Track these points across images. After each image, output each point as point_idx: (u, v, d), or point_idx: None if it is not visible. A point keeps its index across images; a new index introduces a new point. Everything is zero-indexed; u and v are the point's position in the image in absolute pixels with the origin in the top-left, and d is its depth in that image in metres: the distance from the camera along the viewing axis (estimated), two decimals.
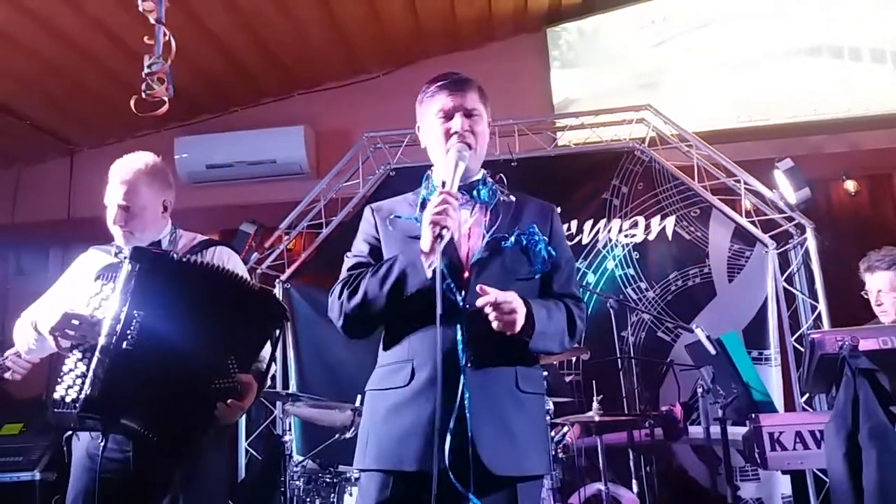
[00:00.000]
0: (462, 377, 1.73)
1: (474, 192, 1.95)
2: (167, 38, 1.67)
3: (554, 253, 1.92)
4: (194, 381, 2.10)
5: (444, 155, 1.91)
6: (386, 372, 1.89)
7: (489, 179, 2.02)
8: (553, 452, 3.48)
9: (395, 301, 1.81)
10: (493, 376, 1.80)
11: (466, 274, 1.84)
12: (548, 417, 3.48)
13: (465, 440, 1.70)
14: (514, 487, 1.77)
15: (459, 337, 1.76)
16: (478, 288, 1.76)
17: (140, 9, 1.67)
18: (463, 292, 1.79)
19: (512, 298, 1.76)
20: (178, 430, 2.10)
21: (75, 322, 2.08)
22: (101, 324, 2.06)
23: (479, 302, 1.74)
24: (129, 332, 2.03)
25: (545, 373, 3.62)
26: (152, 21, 1.68)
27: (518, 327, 1.76)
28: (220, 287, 2.19)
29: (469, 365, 1.75)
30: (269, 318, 2.24)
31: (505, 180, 2.06)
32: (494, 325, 1.74)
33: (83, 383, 2.01)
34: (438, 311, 1.67)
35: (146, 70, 1.66)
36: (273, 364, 2.35)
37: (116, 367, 2.01)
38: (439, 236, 1.72)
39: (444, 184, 1.85)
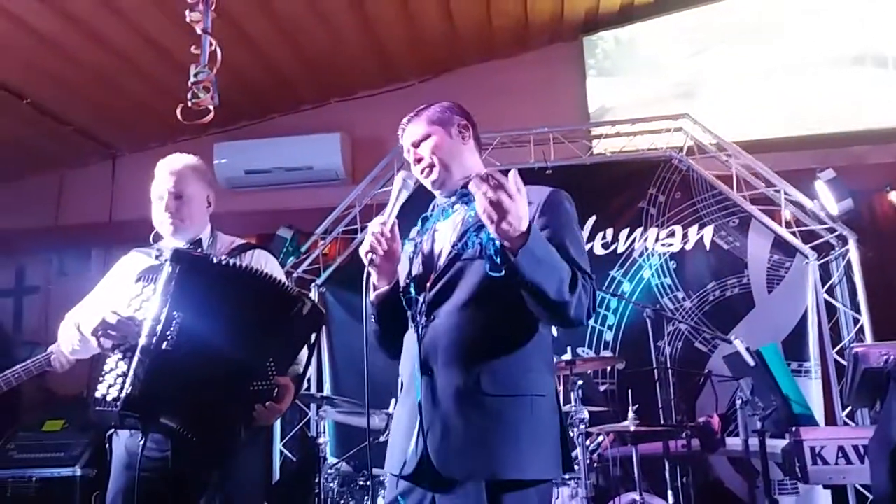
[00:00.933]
0: (418, 387, 1.80)
1: (459, 200, 1.98)
2: (213, 47, 1.70)
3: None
4: (233, 383, 2.12)
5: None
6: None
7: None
8: (588, 461, 3.46)
9: (374, 325, 1.97)
10: (449, 382, 1.78)
11: (429, 284, 1.89)
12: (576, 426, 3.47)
13: (425, 448, 1.77)
14: (485, 491, 1.72)
15: (416, 348, 1.83)
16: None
17: (188, 19, 1.70)
18: (424, 304, 1.85)
19: (514, 189, 1.59)
20: (216, 430, 2.12)
21: (116, 323, 2.11)
22: (141, 325, 2.09)
23: (475, 179, 1.63)
24: (168, 333, 2.05)
25: (579, 381, 3.63)
26: (199, 31, 1.71)
27: (509, 221, 1.58)
28: (259, 290, 2.19)
29: (424, 374, 1.80)
30: (307, 322, 2.24)
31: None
32: (481, 207, 1.60)
33: (124, 382, 2.04)
34: (365, 336, 1.88)
35: (192, 79, 1.69)
36: (309, 367, 2.37)
37: (156, 367, 2.03)
38: (371, 263, 1.86)
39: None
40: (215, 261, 2.23)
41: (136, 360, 2.04)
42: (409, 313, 1.90)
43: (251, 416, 2.14)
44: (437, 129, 2.01)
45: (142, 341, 2.06)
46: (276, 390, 2.15)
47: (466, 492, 1.73)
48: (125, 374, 2.05)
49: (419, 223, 2.05)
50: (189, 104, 1.70)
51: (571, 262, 1.77)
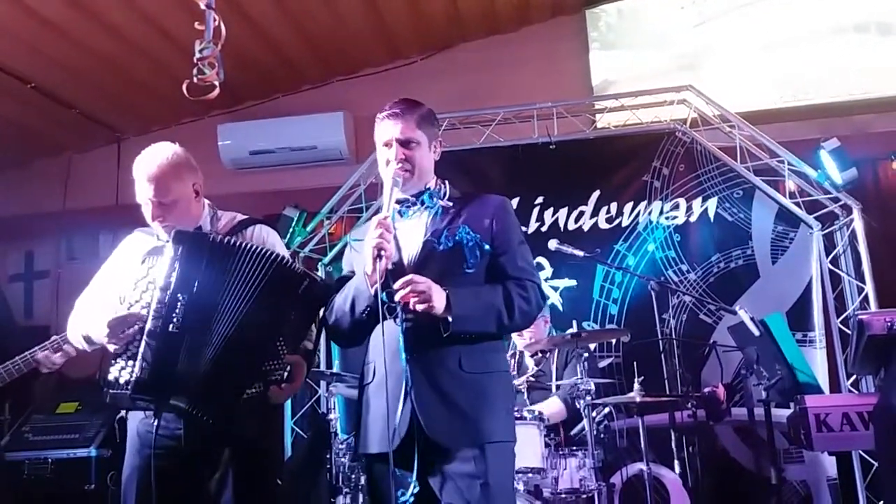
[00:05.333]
0: (405, 370, 1.98)
1: (420, 202, 2.17)
2: (217, 23, 1.71)
3: (488, 247, 2.09)
4: (243, 363, 2.14)
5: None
6: (364, 371, 2.18)
7: (438, 185, 2.22)
8: (595, 432, 3.50)
9: (356, 317, 2.09)
10: (434, 363, 2.01)
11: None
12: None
13: (416, 421, 1.96)
14: (473, 452, 1.96)
15: (401, 337, 2.00)
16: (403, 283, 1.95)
17: None
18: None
19: (425, 280, 1.96)
20: (229, 411, 2.14)
21: (121, 324, 2.13)
22: (147, 310, 2.11)
23: (396, 286, 1.94)
24: (174, 315, 2.09)
25: (585, 353, 3.66)
26: (202, 6, 1.72)
27: (438, 304, 1.95)
28: (263, 268, 2.18)
29: (409, 359, 1.98)
30: (313, 299, 2.26)
31: (447, 186, 2.22)
32: (417, 307, 1.94)
33: (134, 366, 2.08)
34: (381, 323, 1.97)
35: (197, 55, 1.70)
36: (319, 342, 2.39)
37: (163, 349, 2.07)
38: (378, 257, 1.96)
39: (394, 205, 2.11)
40: (217, 239, 2.22)
41: (143, 343, 2.07)
42: (385, 306, 2.02)
43: (266, 396, 2.16)
44: (425, 138, 2.16)
45: (148, 325, 2.09)
46: (288, 368, 2.17)
47: (458, 457, 1.97)
48: (134, 357, 2.09)
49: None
50: (195, 80, 1.71)
51: (517, 269, 2.11)
